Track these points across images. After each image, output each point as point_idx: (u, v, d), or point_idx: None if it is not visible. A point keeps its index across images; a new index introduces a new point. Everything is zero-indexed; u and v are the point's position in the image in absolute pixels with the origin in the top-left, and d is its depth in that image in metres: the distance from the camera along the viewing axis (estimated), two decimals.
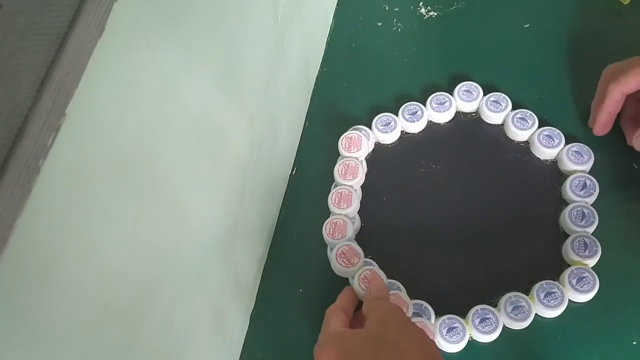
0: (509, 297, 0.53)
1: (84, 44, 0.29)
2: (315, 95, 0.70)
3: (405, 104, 0.65)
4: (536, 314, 0.53)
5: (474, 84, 0.64)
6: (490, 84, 0.64)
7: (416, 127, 0.64)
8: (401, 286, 0.55)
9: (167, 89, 0.38)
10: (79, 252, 0.31)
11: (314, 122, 0.69)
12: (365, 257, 0.57)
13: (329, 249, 0.59)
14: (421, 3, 0.73)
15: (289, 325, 0.58)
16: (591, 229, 0.55)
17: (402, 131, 0.65)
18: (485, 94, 0.63)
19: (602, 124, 0.58)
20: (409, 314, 0.52)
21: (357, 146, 0.62)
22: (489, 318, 0.52)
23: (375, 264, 0.57)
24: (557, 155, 0.60)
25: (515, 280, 0.55)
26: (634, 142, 0.57)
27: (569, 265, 0.54)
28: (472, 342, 0.53)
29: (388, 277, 0.55)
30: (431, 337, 0.51)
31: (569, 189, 0.57)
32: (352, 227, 0.58)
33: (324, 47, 0.73)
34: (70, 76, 0.28)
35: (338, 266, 0.56)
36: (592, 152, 0.58)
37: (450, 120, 0.65)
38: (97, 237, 0.33)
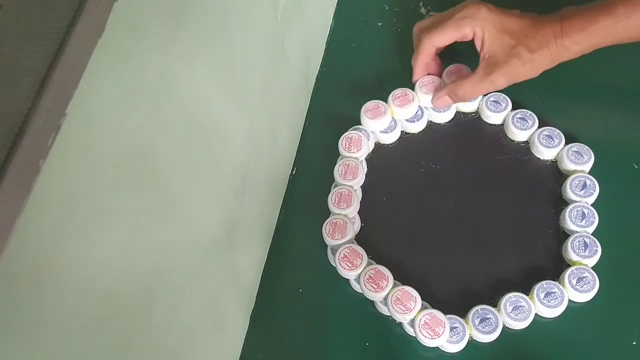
0: (509, 297, 0.53)
1: (84, 44, 0.29)
2: (315, 95, 0.70)
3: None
4: (536, 314, 0.53)
5: None
6: None
7: (416, 127, 0.64)
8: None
9: (167, 89, 0.38)
10: (79, 252, 0.31)
11: (314, 122, 0.69)
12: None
13: (329, 249, 0.59)
14: (421, 3, 0.73)
15: (289, 325, 0.58)
16: (591, 229, 0.55)
17: (402, 131, 0.65)
18: (485, 93, 0.63)
19: (418, 74, 0.64)
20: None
21: (357, 146, 0.62)
22: (489, 318, 0.52)
23: (375, 264, 0.57)
24: (557, 155, 0.60)
25: (515, 280, 0.55)
26: (434, 102, 0.62)
27: (569, 265, 0.54)
28: (472, 342, 0.53)
29: None
30: (443, 328, 0.52)
31: (569, 189, 0.57)
32: (352, 228, 0.58)
33: (324, 47, 0.73)
34: (70, 76, 0.28)
35: (342, 270, 0.56)
36: (592, 152, 0.58)
37: (450, 120, 0.65)
38: (97, 237, 0.33)
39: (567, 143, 0.59)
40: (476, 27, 0.57)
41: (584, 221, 0.55)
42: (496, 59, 0.56)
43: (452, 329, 0.52)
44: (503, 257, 0.57)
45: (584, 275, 0.52)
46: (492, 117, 0.63)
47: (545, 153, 0.60)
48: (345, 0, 0.76)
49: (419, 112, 0.64)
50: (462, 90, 0.59)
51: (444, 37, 0.59)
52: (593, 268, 0.53)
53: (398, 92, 0.63)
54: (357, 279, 0.55)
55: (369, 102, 0.63)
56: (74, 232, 0.30)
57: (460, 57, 0.63)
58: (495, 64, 0.56)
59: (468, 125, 0.64)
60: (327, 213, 0.60)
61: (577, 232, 0.55)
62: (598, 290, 0.52)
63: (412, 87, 0.64)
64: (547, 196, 0.59)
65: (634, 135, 0.60)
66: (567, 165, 0.58)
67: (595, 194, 0.56)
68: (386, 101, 0.63)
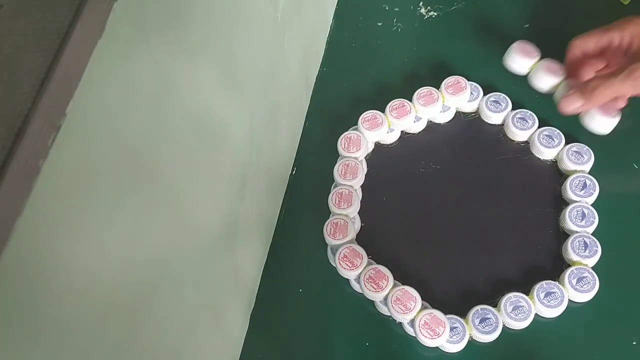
0: (509, 297, 0.53)
1: (84, 44, 0.29)
2: (315, 95, 0.70)
3: None
4: (536, 314, 0.53)
5: (474, 84, 0.64)
6: (490, 84, 0.64)
7: (416, 127, 0.64)
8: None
9: (167, 89, 0.38)
10: (79, 251, 0.31)
11: (314, 122, 0.69)
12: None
13: (329, 249, 0.59)
14: (421, 3, 0.73)
15: (289, 325, 0.58)
16: (591, 229, 0.55)
17: (402, 131, 0.65)
18: (485, 94, 0.63)
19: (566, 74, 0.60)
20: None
21: (356, 146, 0.62)
22: (489, 318, 0.52)
23: (375, 264, 0.57)
24: (557, 155, 0.60)
25: (515, 280, 0.55)
26: (561, 102, 0.57)
27: (569, 265, 0.54)
28: (472, 342, 0.53)
29: None
30: (443, 328, 0.52)
31: (569, 189, 0.57)
32: (353, 227, 0.58)
33: (324, 47, 0.73)
34: (70, 76, 0.28)
35: (342, 270, 0.56)
36: (592, 152, 0.58)
37: (450, 120, 0.65)
38: (97, 236, 0.33)
39: (567, 143, 0.59)
40: (625, 35, 0.57)
41: (584, 221, 0.55)
42: None
43: (452, 329, 0.52)
44: (503, 257, 0.57)
45: (584, 275, 0.52)
46: (492, 117, 0.63)
47: (545, 153, 0.60)
48: (345, 0, 0.76)
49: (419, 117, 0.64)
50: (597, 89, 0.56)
51: (590, 40, 0.58)
52: (593, 268, 0.53)
53: (396, 102, 0.63)
54: (357, 279, 0.55)
55: (366, 112, 0.63)
56: (74, 232, 0.31)
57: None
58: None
59: (468, 125, 0.64)
60: (327, 213, 0.60)
61: (577, 232, 0.55)
62: (598, 290, 0.52)
63: (411, 97, 0.63)
64: (547, 196, 0.59)
65: (634, 135, 0.60)
66: (567, 165, 0.58)
67: (595, 194, 0.56)
68: (383, 111, 0.63)
